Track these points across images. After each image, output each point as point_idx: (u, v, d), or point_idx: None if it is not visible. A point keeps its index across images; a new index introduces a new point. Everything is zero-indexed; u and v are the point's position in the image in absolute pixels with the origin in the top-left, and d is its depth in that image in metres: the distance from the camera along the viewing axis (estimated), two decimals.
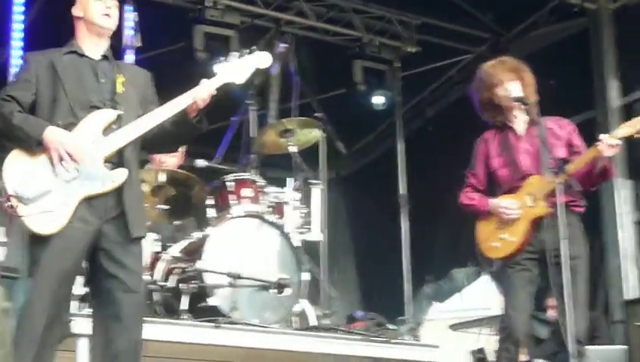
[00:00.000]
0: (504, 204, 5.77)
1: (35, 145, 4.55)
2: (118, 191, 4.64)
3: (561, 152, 5.75)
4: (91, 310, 4.78)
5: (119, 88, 4.76)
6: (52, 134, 4.56)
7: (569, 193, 5.61)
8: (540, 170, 5.75)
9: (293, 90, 7.25)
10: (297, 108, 7.23)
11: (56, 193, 4.53)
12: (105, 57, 4.88)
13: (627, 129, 5.66)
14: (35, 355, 4.40)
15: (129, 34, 5.72)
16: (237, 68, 5.02)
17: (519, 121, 5.92)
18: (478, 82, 6.01)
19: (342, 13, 10.47)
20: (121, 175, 4.65)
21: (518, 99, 5.77)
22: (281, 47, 7.56)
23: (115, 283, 4.58)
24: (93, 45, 4.87)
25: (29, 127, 4.58)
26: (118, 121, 4.71)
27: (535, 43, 9.94)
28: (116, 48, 5.22)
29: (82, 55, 4.85)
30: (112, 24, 4.89)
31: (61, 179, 4.56)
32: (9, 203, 4.47)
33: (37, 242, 4.53)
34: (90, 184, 4.59)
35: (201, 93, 4.83)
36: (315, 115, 7.02)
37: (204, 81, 4.88)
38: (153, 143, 4.92)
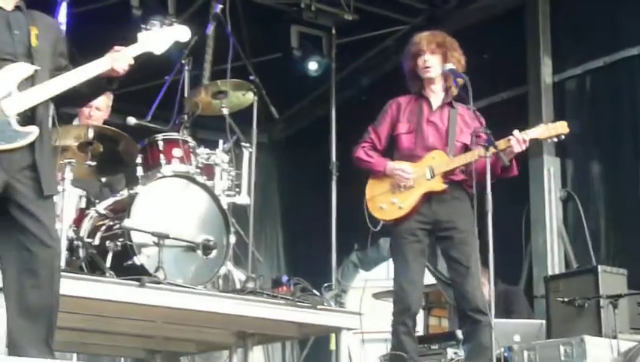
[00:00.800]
0: (401, 167, 5.84)
1: None
2: (30, 148, 4.55)
3: (467, 140, 5.85)
4: (2, 264, 4.66)
5: (34, 42, 4.66)
6: None
7: (464, 173, 5.76)
8: (445, 147, 5.83)
9: (229, 51, 7.20)
10: (231, 71, 7.18)
11: None
12: (18, 8, 4.72)
13: (541, 130, 5.80)
14: None
15: None
16: (157, 38, 4.97)
17: (436, 96, 5.99)
18: (406, 51, 6.11)
19: None
20: (32, 132, 4.55)
21: (453, 72, 5.82)
22: (218, 7, 7.50)
23: (29, 238, 4.52)
24: None
25: None
26: (33, 77, 4.62)
27: (471, 16, 9.97)
28: (50, 1, 5.14)
29: None
30: None
31: None
32: None
33: None
34: (1, 140, 4.50)
35: (119, 60, 4.77)
36: (249, 77, 6.98)
37: (120, 48, 4.81)
38: (62, 99, 4.80)
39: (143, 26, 4.97)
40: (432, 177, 5.79)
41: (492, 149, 5.54)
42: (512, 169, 5.82)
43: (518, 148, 5.72)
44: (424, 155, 5.86)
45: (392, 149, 6.03)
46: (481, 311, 5.64)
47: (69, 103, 5.10)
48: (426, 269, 6.06)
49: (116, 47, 4.80)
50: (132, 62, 4.81)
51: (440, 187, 5.78)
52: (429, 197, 5.79)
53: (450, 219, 5.77)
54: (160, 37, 4.99)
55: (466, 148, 5.86)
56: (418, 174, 5.80)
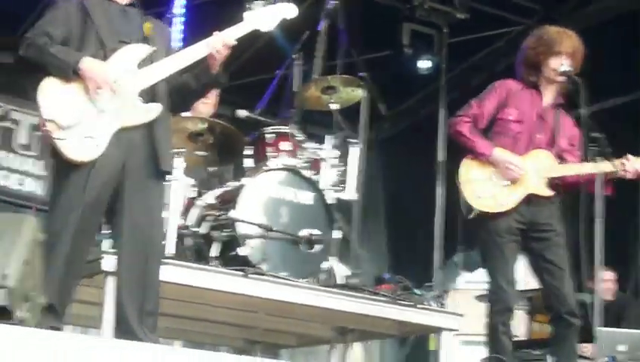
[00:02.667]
0: (515, 161, 5.64)
1: (71, 73, 4.58)
2: (148, 126, 4.68)
3: (565, 145, 5.75)
4: (115, 246, 4.82)
5: (147, 33, 4.81)
6: (89, 63, 4.60)
7: (562, 178, 5.65)
8: (549, 147, 5.71)
9: (340, 47, 7.22)
10: (342, 66, 7.20)
11: (91, 122, 4.57)
12: (131, 4, 4.93)
13: None
14: (57, 288, 4.45)
15: None
16: (263, 15, 5.02)
17: (549, 94, 5.84)
18: (536, 40, 5.82)
19: None
20: (155, 109, 4.69)
21: (569, 75, 5.70)
22: (331, 3, 7.53)
23: (135, 222, 4.62)
24: None
25: (66, 55, 4.62)
26: (151, 58, 4.75)
27: (586, 19, 9.82)
28: None
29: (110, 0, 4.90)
30: None
31: (96, 108, 4.59)
32: (45, 127, 4.51)
33: (62, 172, 4.58)
34: (125, 115, 4.63)
35: (216, 42, 4.85)
36: (360, 74, 6.99)
37: (217, 33, 4.89)
38: (175, 97, 4.94)
39: (247, 5, 5.01)
40: (538, 179, 5.66)
41: (602, 166, 5.47)
42: (609, 188, 5.67)
43: (629, 175, 5.61)
44: (528, 151, 5.70)
45: (487, 131, 5.78)
46: (575, 314, 5.56)
47: (180, 100, 5.17)
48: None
49: (215, 33, 4.88)
50: (233, 42, 4.88)
51: (546, 193, 5.64)
52: (529, 198, 5.66)
53: (548, 221, 5.64)
54: (266, 14, 5.03)
55: (561, 154, 5.74)
56: (524, 170, 5.66)
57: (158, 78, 4.76)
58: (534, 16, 10.59)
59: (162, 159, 4.71)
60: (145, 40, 4.81)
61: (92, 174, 4.54)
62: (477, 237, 5.78)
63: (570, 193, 5.67)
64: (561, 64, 5.69)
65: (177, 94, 4.94)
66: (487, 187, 5.65)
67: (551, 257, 5.62)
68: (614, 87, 9.43)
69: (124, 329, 4.58)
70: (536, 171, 5.63)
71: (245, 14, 5.00)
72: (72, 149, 4.52)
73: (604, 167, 5.53)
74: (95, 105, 4.60)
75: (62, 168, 4.59)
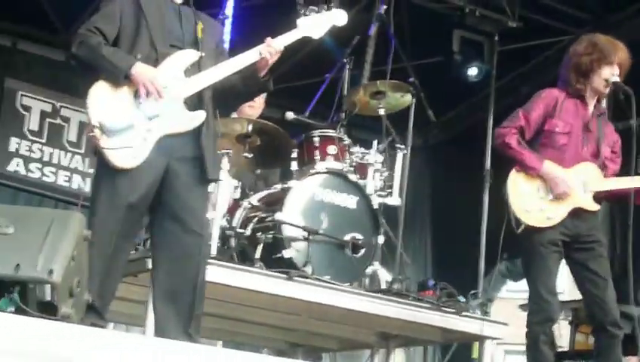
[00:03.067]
0: (564, 177, 5.59)
1: (122, 78, 4.60)
2: (196, 133, 4.69)
3: (608, 153, 5.70)
4: (152, 249, 4.82)
5: (199, 34, 4.81)
6: (141, 68, 4.62)
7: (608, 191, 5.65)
8: (595, 159, 5.67)
9: (390, 52, 7.22)
10: (391, 72, 7.20)
11: (137, 128, 4.59)
12: (186, 3, 4.94)
13: None
14: (98, 287, 4.47)
15: None
16: (315, 22, 5.06)
17: (593, 102, 5.79)
18: (589, 46, 5.73)
19: None
20: (199, 117, 4.70)
21: (619, 86, 5.65)
22: (382, 8, 7.53)
23: (180, 224, 4.63)
24: None
25: (118, 59, 4.64)
26: (199, 64, 4.75)
27: (636, 31, 9.73)
28: None
29: None
30: None
31: (144, 114, 4.61)
32: (92, 133, 4.54)
33: (104, 173, 4.61)
34: (170, 122, 4.65)
35: (268, 49, 4.85)
36: (409, 79, 6.98)
37: (270, 40, 4.90)
38: (220, 100, 4.96)
39: (302, 11, 5.05)
40: (585, 193, 5.62)
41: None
42: None
43: None
44: (574, 163, 5.65)
45: (533, 142, 5.72)
46: (619, 324, 5.51)
47: (228, 102, 5.20)
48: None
49: (267, 39, 4.90)
50: (281, 48, 4.89)
51: (593, 207, 5.60)
52: (576, 211, 5.62)
53: (592, 232, 5.61)
54: (318, 21, 5.07)
55: (604, 163, 5.70)
56: (572, 184, 5.63)
57: (204, 85, 4.77)
58: (585, 25, 10.51)
59: (208, 167, 4.70)
60: (196, 43, 4.81)
61: (134, 177, 4.56)
62: (521, 247, 5.75)
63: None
64: (612, 74, 5.64)
65: (224, 96, 4.95)
66: (535, 201, 5.61)
67: (594, 267, 5.58)
68: None
69: (164, 330, 4.59)
70: (583, 185, 5.60)
71: (299, 21, 5.03)
72: (114, 156, 4.54)
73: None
74: (143, 111, 4.62)
75: (105, 169, 4.61)
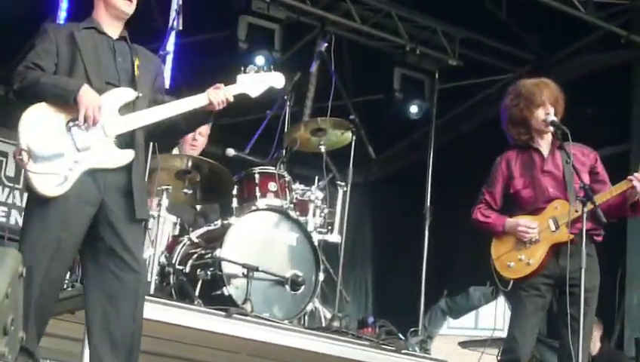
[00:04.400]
0: (523, 223, 5.65)
1: (72, 100, 4.56)
2: (126, 170, 4.65)
3: (586, 179, 5.70)
4: (87, 286, 4.71)
5: (136, 71, 4.80)
6: (90, 91, 4.58)
7: (592, 221, 5.59)
8: (566, 194, 5.70)
9: (330, 89, 7.24)
10: (332, 109, 7.22)
11: (65, 158, 4.54)
12: (123, 38, 4.93)
13: None
14: (28, 324, 4.36)
15: (172, 16, 5.78)
16: (254, 81, 5.11)
17: (545, 143, 5.84)
18: (515, 97, 5.80)
19: (387, 19, 10.42)
20: (128, 155, 4.67)
21: (556, 125, 5.70)
22: (323, 45, 7.56)
23: (115, 261, 4.57)
24: (111, 26, 4.92)
25: (66, 82, 4.60)
26: (134, 103, 4.73)
27: (577, 69, 9.89)
28: (160, 30, 5.25)
29: (101, 32, 4.88)
30: (131, 10, 4.93)
31: (74, 145, 4.57)
32: (20, 156, 4.49)
33: (35, 205, 4.55)
34: (99, 157, 4.61)
35: (219, 97, 4.88)
36: (349, 117, 7.00)
37: (220, 86, 4.93)
38: (161, 133, 4.95)
39: (242, 68, 5.10)
40: (556, 228, 5.64)
41: (589, 205, 5.43)
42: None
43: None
44: (546, 207, 5.72)
45: (511, 207, 5.83)
46: None
47: (166, 137, 5.20)
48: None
49: (217, 85, 4.91)
50: (231, 99, 4.92)
51: (566, 237, 5.61)
52: (556, 250, 5.62)
53: (577, 276, 5.58)
54: (256, 81, 5.11)
55: (593, 189, 5.70)
56: (542, 227, 5.62)
57: (140, 125, 4.74)
58: (525, 64, 10.65)
59: (138, 207, 4.66)
60: (133, 81, 4.79)
61: (65, 211, 4.50)
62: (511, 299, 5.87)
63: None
64: (546, 113, 5.70)
65: (164, 132, 4.95)
66: (514, 255, 5.68)
67: (574, 312, 5.55)
68: (605, 137, 9.46)
69: None
70: (553, 222, 5.64)
71: (238, 77, 5.07)
72: (38, 181, 4.48)
73: (618, 188, 5.54)
74: (73, 142, 4.57)
75: (35, 201, 4.56)
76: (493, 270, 5.75)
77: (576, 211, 5.51)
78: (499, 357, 5.72)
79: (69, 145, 4.56)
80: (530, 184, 5.75)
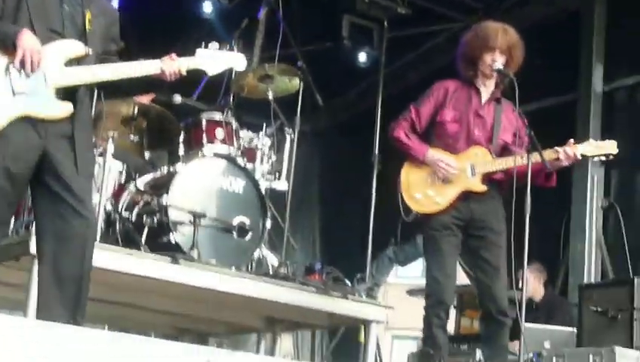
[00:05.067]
0: (447, 161, 5.64)
1: (11, 44, 4.46)
2: (69, 121, 4.56)
3: (509, 138, 5.75)
4: (37, 232, 4.64)
5: (88, 26, 4.68)
6: (30, 36, 4.47)
7: (504, 173, 5.64)
8: (488, 145, 5.72)
9: (279, 37, 7.21)
10: (281, 57, 7.19)
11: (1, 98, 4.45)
12: None
13: (590, 148, 5.66)
14: None
15: None
16: (214, 59, 4.96)
17: (486, 89, 5.84)
18: (473, 36, 5.82)
19: None
20: (66, 109, 4.56)
21: (501, 72, 5.71)
22: None
23: (63, 207, 4.52)
24: None
25: (6, 26, 4.50)
26: (82, 57, 4.64)
27: (525, 19, 9.89)
28: None
29: None
30: None
31: (9, 87, 4.47)
32: None
33: None
34: (35, 105, 4.49)
35: (172, 68, 4.77)
36: (297, 64, 6.98)
37: (176, 58, 4.78)
38: (104, 89, 4.87)
39: (203, 42, 4.93)
40: (472, 175, 5.66)
41: (536, 155, 5.45)
42: (552, 180, 5.71)
43: (566, 163, 5.62)
44: (466, 149, 5.71)
45: (429, 134, 5.78)
46: (506, 313, 5.58)
47: (108, 95, 5.11)
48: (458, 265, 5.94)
49: (172, 55, 4.79)
50: (184, 73, 4.81)
51: (480, 188, 5.64)
52: (466, 194, 5.66)
53: (485, 218, 5.64)
54: (216, 59, 4.96)
55: (505, 148, 5.75)
56: (459, 169, 5.67)
57: (85, 81, 4.62)
58: (475, 13, 10.64)
59: (80, 164, 4.57)
60: (84, 35, 4.68)
61: (11, 144, 4.42)
62: (423, 237, 5.82)
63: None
64: (494, 60, 5.70)
65: (106, 90, 4.87)
66: (422, 188, 5.66)
67: (486, 255, 5.62)
68: (553, 87, 9.51)
69: (49, 316, 4.49)
70: (470, 168, 5.64)
71: (198, 51, 4.91)
72: None
73: (547, 154, 5.55)
74: (9, 84, 4.48)
75: None
76: (400, 196, 5.73)
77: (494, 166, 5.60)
78: (424, 304, 5.67)
79: (4, 86, 4.47)
80: (459, 120, 5.73)
